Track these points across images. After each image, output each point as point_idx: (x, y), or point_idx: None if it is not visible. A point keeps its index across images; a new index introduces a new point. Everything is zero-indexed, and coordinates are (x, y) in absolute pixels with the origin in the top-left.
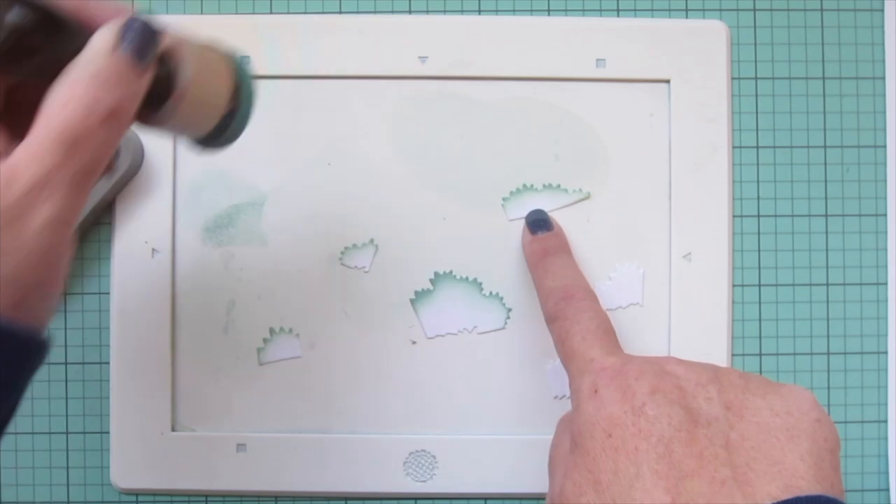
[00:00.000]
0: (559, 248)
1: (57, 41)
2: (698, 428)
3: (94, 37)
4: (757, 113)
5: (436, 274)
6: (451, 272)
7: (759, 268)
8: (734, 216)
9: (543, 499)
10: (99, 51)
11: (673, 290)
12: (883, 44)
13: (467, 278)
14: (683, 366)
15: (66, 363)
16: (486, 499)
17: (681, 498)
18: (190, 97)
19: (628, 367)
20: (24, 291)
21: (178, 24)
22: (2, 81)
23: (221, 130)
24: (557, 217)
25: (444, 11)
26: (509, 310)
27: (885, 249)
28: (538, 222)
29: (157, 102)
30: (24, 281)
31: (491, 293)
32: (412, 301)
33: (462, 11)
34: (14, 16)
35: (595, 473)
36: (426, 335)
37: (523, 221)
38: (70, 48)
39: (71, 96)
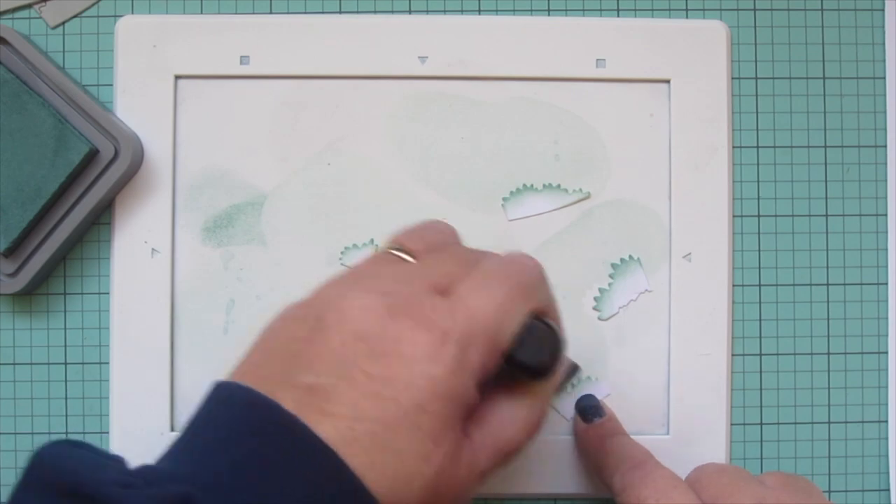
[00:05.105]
0: (616, 430)
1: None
2: None
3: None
4: (757, 113)
5: None
6: None
7: (760, 268)
8: (734, 216)
9: (542, 499)
10: (553, 389)
11: (673, 290)
12: (883, 43)
13: None
14: None
15: (65, 363)
16: (486, 499)
17: None
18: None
19: None
20: None
21: (178, 24)
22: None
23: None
24: (557, 217)
25: (444, 11)
26: None
27: (886, 249)
28: (591, 409)
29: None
30: None
31: None
32: None
33: (462, 11)
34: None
35: None
36: None
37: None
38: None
39: (529, 423)
